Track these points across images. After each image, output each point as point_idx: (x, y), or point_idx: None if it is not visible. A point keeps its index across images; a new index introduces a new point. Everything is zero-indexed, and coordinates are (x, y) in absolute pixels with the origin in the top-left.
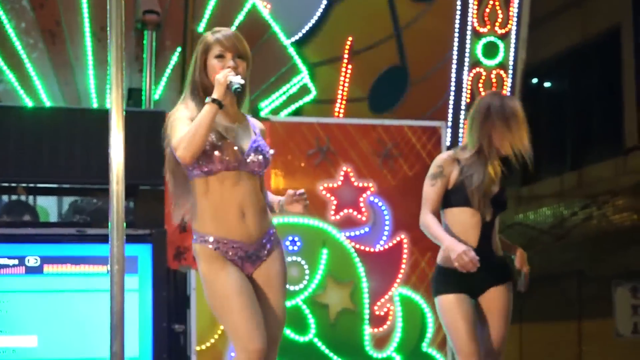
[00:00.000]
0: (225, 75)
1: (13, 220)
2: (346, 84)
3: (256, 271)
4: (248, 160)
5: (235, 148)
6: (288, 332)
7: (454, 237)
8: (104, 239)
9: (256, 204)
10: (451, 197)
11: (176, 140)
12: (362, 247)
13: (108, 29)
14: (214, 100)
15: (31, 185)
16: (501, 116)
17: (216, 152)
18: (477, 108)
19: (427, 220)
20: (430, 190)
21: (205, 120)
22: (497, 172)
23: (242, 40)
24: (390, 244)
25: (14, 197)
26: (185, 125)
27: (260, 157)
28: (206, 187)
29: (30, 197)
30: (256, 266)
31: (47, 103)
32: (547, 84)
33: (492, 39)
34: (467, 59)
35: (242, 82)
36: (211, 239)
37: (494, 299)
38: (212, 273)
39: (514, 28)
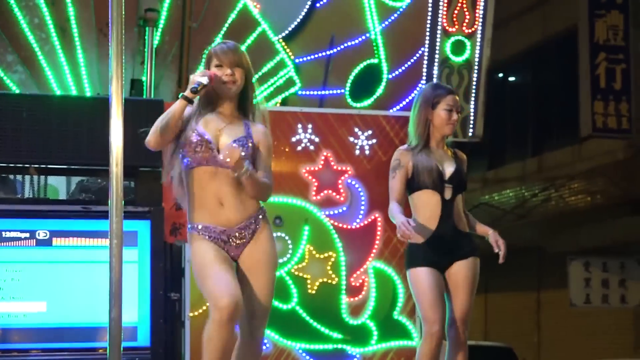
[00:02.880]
0: (194, 75)
1: (26, 198)
2: (327, 77)
3: (242, 253)
4: (220, 157)
5: (211, 146)
6: (273, 301)
7: (419, 217)
8: (106, 215)
9: (235, 193)
10: (412, 183)
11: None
12: (340, 225)
13: (110, 25)
14: (182, 96)
15: (42, 166)
16: (429, 102)
17: (195, 148)
18: (414, 102)
19: (390, 208)
20: (392, 183)
21: (171, 112)
22: (447, 153)
23: (238, 51)
24: (366, 222)
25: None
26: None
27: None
28: (192, 180)
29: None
30: (241, 249)
31: (57, 91)
32: (510, 79)
33: (460, 37)
34: (437, 56)
35: (203, 82)
36: (199, 227)
37: (459, 272)
38: (194, 252)
39: (479, 28)
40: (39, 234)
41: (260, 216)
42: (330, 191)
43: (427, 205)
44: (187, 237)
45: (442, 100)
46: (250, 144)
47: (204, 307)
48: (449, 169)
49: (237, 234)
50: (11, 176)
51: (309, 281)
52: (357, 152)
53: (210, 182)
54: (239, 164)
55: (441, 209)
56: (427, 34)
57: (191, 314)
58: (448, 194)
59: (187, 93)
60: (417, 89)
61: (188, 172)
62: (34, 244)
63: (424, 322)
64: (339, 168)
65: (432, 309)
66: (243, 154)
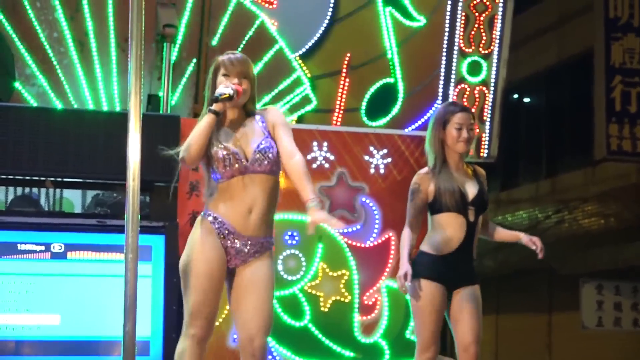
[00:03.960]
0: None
1: (42, 211)
2: (344, 96)
3: (243, 266)
4: (253, 163)
5: (237, 156)
6: (285, 318)
7: (440, 235)
8: (121, 229)
9: (265, 204)
10: (434, 205)
11: (184, 144)
12: (354, 243)
13: (129, 40)
14: (210, 110)
15: (58, 179)
16: (440, 121)
17: (224, 163)
18: (429, 122)
19: (402, 236)
20: (409, 206)
21: (201, 127)
22: (467, 172)
23: (245, 62)
24: (379, 241)
25: (19, 192)
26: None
27: (263, 158)
28: (222, 192)
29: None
30: (243, 262)
31: (75, 105)
32: (525, 100)
33: (476, 58)
34: (453, 76)
35: (228, 91)
36: (215, 215)
37: (469, 296)
38: (197, 245)
39: (496, 49)
40: (54, 247)
41: (271, 244)
42: (344, 209)
43: (452, 227)
44: (196, 221)
45: (452, 119)
46: (271, 138)
47: (217, 323)
48: (471, 191)
49: (248, 242)
50: (27, 190)
51: (321, 299)
52: (372, 170)
53: (244, 191)
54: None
55: (466, 231)
56: (444, 54)
57: None
58: (472, 216)
59: (214, 106)
60: (433, 108)
61: (218, 186)
62: (49, 257)
63: (418, 343)
64: (354, 186)
65: (431, 334)
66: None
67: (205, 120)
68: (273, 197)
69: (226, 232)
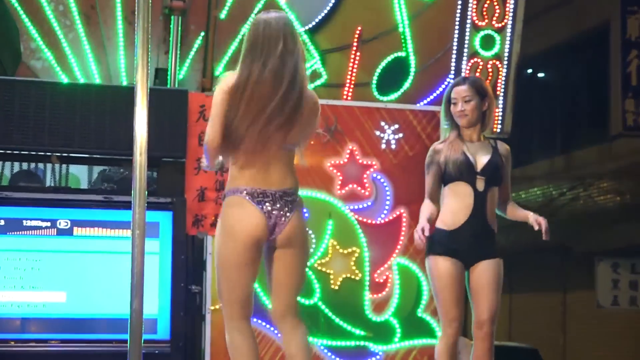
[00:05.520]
0: None
1: (47, 186)
2: (354, 70)
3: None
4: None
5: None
6: None
7: (449, 207)
8: (128, 205)
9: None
10: (445, 176)
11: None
12: (365, 220)
13: (136, 13)
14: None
15: (64, 154)
16: (446, 97)
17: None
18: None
19: (422, 205)
20: (426, 179)
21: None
22: (485, 144)
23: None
24: (391, 217)
25: (24, 167)
26: (218, 115)
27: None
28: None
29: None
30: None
31: (81, 80)
32: (540, 75)
33: (489, 32)
34: (465, 50)
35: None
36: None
37: (486, 271)
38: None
39: (509, 22)
40: (60, 223)
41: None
42: (355, 185)
43: (458, 196)
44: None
45: (451, 93)
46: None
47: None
48: (482, 160)
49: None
50: (34, 167)
51: (331, 276)
52: (383, 146)
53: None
54: None
55: (473, 200)
56: (456, 27)
57: (212, 307)
58: (480, 186)
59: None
60: (445, 83)
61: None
62: (55, 233)
63: (442, 319)
64: (365, 162)
65: (452, 306)
66: None
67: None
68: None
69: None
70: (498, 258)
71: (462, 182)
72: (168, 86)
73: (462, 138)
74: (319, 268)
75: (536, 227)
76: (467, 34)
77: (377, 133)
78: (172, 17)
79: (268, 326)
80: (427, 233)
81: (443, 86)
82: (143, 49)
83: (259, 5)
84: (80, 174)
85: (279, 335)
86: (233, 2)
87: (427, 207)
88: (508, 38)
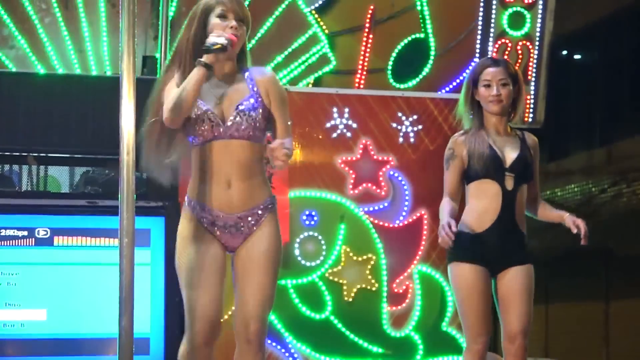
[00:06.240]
0: (210, 37)
1: (23, 191)
2: (367, 55)
3: (242, 246)
4: (232, 127)
5: (211, 118)
6: (304, 310)
7: (475, 209)
8: (115, 210)
9: (246, 175)
10: (468, 172)
11: (166, 103)
12: (381, 223)
13: None
14: (201, 64)
15: (42, 155)
16: (471, 79)
17: (198, 123)
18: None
19: (441, 204)
20: (446, 175)
21: (191, 83)
22: (512, 136)
23: (243, 5)
24: (410, 220)
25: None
26: (175, 89)
27: (242, 121)
28: (197, 157)
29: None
30: (240, 239)
31: (60, 70)
32: (576, 56)
33: (518, 8)
34: (492, 30)
35: (221, 41)
36: (192, 203)
37: (517, 279)
38: (182, 239)
39: None
40: (38, 232)
41: (270, 205)
42: (369, 184)
43: (485, 196)
44: (182, 213)
45: (482, 75)
46: (259, 101)
47: (225, 317)
48: (510, 155)
49: (234, 224)
50: (8, 169)
51: (345, 287)
52: (401, 139)
53: (218, 160)
54: (285, 161)
55: (502, 200)
56: (481, 3)
57: None
58: (510, 184)
59: (204, 57)
60: (470, 67)
61: (194, 150)
62: (33, 244)
63: (467, 333)
64: (380, 158)
65: (479, 319)
66: (287, 149)
67: (194, 75)
68: (255, 169)
69: (208, 216)
70: (529, 264)
71: (489, 179)
72: (157, 76)
73: (487, 129)
74: (331, 278)
75: (574, 230)
76: (494, 11)
77: (394, 125)
78: None
79: (279, 347)
80: (454, 228)
81: (467, 71)
82: (128, 35)
83: None
84: (60, 177)
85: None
86: None
87: (447, 204)
88: (539, 15)
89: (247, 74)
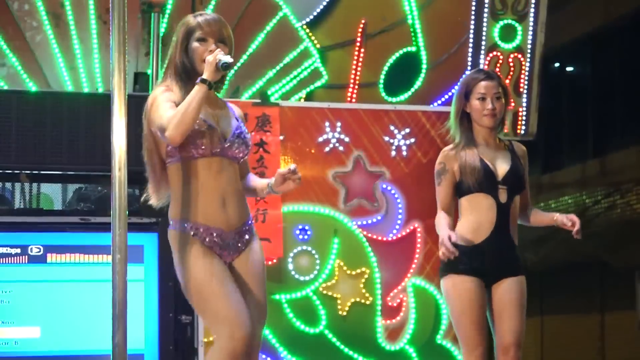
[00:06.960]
0: (215, 55)
1: (16, 208)
2: (359, 69)
3: (235, 261)
4: (231, 146)
5: (219, 134)
6: (298, 324)
7: (468, 223)
8: (108, 227)
9: (237, 193)
10: (460, 187)
11: (165, 120)
12: (374, 236)
13: (111, 10)
14: (203, 81)
15: (34, 172)
16: (463, 92)
17: (199, 137)
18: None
19: (436, 219)
20: (438, 190)
21: (195, 100)
22: (502, 148)
23: (225, 24)
24: (404, 233)
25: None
26: (169, 107)
27: (243, 144)
28: (187, 173)
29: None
30: (234, 257)
31: (52, 87)
32: (568, 69)
33: (509, 21)
34: (483, 43)
35: (231, 60)
36: (190, 225)
37: (510, 290)
38: (189, 260)
39: (532, 10)
40: (31, 249)
41: (251, 221)
42: (362, 198)
43: (479, 210)
44: (169, 238)
45: (475, 88)
46: (245, 128)
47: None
48: (502, 167)
49: (235, 241)
50: (1, 187)
51: (339, 301)
52: (394, 153)
53: (216, 177)
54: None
55: (496, 214)
56: (472, 16)
57: (205, 340)
58: (503, 197)
59: (206, 75)
60: (460, 80)
61: (184, 164)
62: (26, 261)
63: (464, 346)
64: (373, 171)
65: (475, 331)
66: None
67: (197, 92)
68: (241, 185)
69: (209, 235)
70: (522, 275)
71: (482, 193)
72: (149, 92)
73: (477, 142)
74: (325, 292)
75: (568, 224)
76: (485, 24)
77: (386, 138)
78: (152, 14)
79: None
80: (454, 239)
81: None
82: (119, 52)
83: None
84: (53, 194)
85: None
86: None
87: (444, 218)
88: (531, 28)
89: (227, 103)
